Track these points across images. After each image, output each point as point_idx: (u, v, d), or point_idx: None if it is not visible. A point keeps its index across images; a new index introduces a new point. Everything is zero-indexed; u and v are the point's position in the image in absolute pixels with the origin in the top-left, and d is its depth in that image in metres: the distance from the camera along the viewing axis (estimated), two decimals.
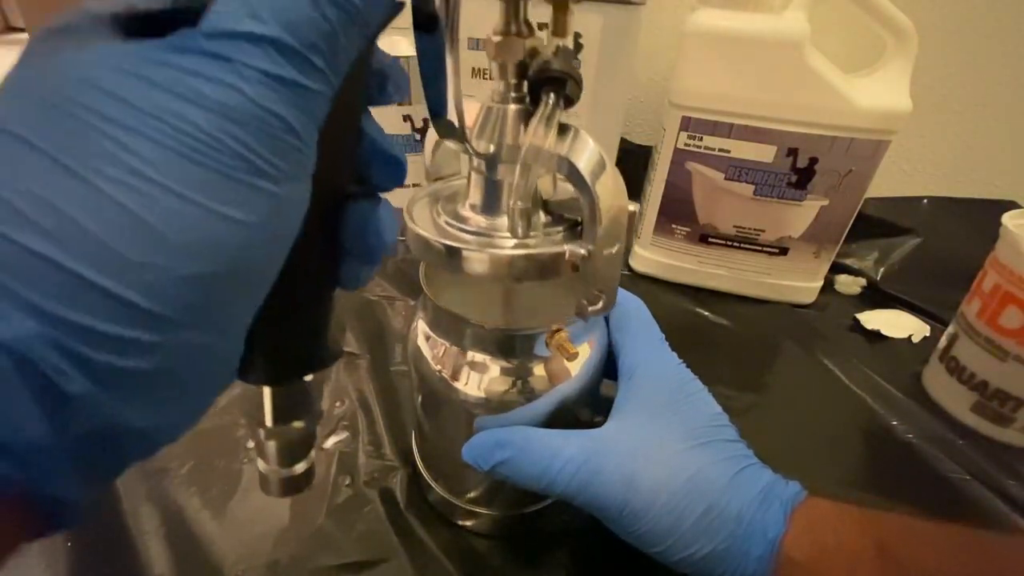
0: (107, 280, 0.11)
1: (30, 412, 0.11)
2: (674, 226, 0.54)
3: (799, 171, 0.48)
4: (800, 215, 0.50)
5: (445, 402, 0.27)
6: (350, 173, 0.17)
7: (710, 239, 0.53)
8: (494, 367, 0.25)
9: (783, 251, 0.52)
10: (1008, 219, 0.39)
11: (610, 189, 0.21)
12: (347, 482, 0.34)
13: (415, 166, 0.58)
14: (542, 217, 0.23)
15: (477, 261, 0.21)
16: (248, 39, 0.12)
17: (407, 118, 0.54)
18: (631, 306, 0.30)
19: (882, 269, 0.58)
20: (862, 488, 0.35)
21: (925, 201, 0.62)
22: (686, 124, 0.49)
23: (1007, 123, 0.59)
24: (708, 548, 0.23)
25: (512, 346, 0.25)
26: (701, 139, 0.49)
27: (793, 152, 0.47)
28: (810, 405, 0.43)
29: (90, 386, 0.11)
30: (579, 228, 0.22)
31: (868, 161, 0.46)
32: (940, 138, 0.61)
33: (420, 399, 0.29)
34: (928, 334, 0.50)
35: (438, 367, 0.26)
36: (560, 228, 0.23)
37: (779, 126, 0.46)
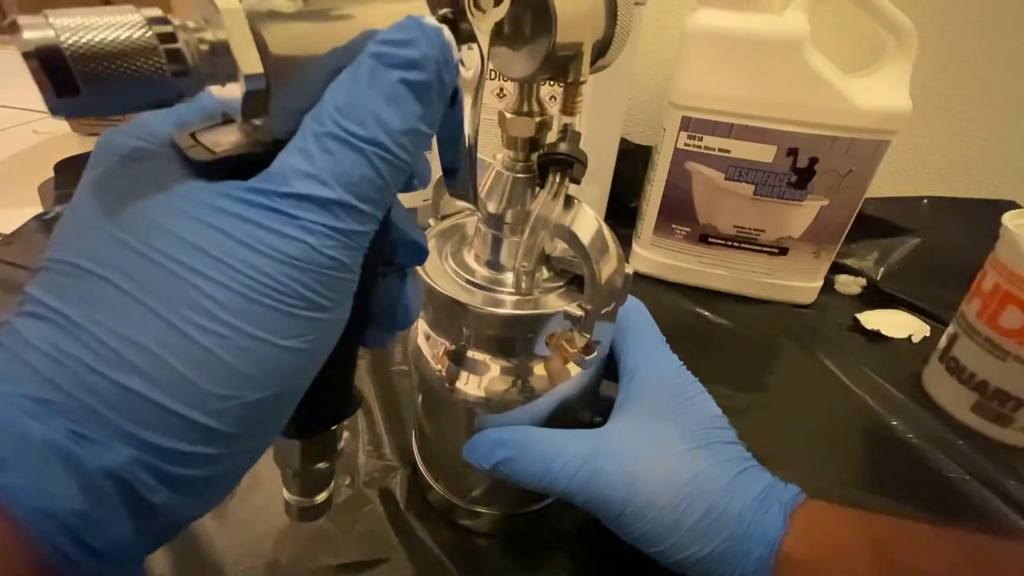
0: (191, 410, 0.13)
1: (122, 522, 0.13)
2: (674, 226, 0.54)
3: (799, 171, 0.48)
4: (800, 215, 0.50)
5: (445, 402, 0.27)
6: (381, 258, 0.19)
7: (710, 239, 0.53)
8: (494, 367, 0.25)
9: (783, 251, 0.52)
10: (1008, 219, 0.39)
11: (609, 256, 0.23)
12: (347, 482, 0.34)
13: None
14: (544, 272, 0.26)
15: (482, 317, 0.23)
16: (315, 201, 0.14)
17: None
18: (632, 307, 0.30)
19: (882, 269, 0.58)
20: (862, 488, 0.35)
21: (925, 201, 0.62)
22: (686, 124, 0.49)
23: (1007, 123, 0.59)
24: (708, 548, 0.23)
25: (512, 345, 0.25)
26: (701, 139, 0.49)
27: (793, 152, 0.47)
28: (810, 405, 0.43)
29: (170, 495, 0.13)
30: (577, 282, 0.25)
31: (868, 161, 0.46)
32: (940, 138, 0.61)
33: (420, 399, 0.29)
34: (928, 334, 0.50)
35: (438, 367, 0.26)
36: (561, 283, 0.25)
37: (779, 126, 0.46)
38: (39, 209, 0.64)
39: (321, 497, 0.23)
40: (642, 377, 0.27)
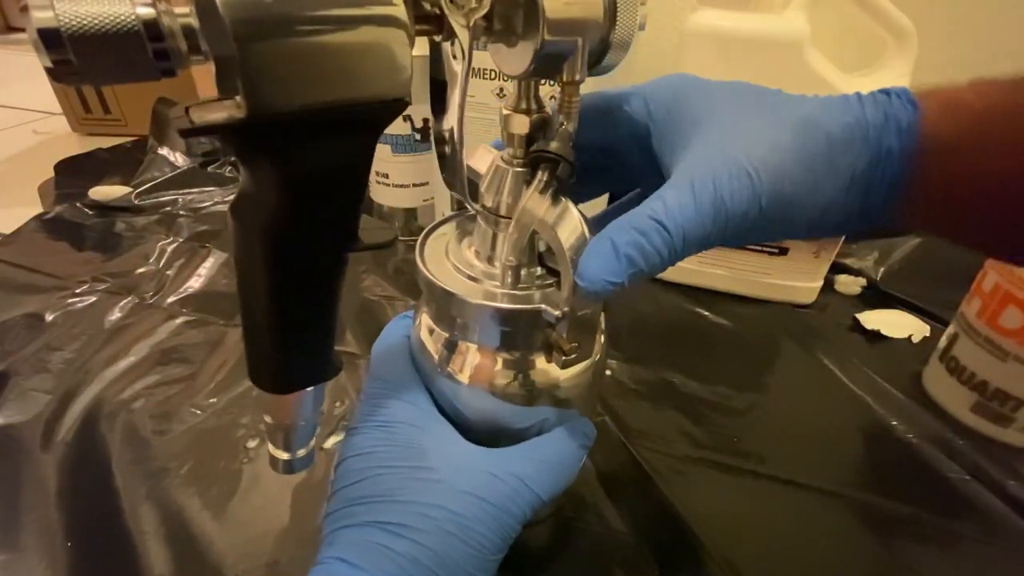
0: None
1: None
2: None
3: None
4: None
5: (447, 396, 0.27)
6: (355, 229, 0.20)
7: None
8: (496, 360, 0.25)
9: (783, 251, 0.52)
10: None
11: None
12: None
13: (417, 166, 0.58)
14: (537, 270, 0.25)
15: (464, 307, 0.24)
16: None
17: (407, 118, 0.54)
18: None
19: (882, 269, 0.58)
20: (862, 488, 0.35)
21: None
22: None
23: None
24: (846, 179, 0.20)
25: (509, 339, 0.25)
26: None
27: None
28: (810, 405, 0.43)
29: None
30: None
31: None
32: None
33: None
34: (928, 334, 0.50)
35: (440, 361, 0.26)
36: (551, 281, 0.25)
37: None
38: (39, 209, 0.64)
39: (302, 452, 0.25)
40: (664, 113, 0.23)
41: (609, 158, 0.27)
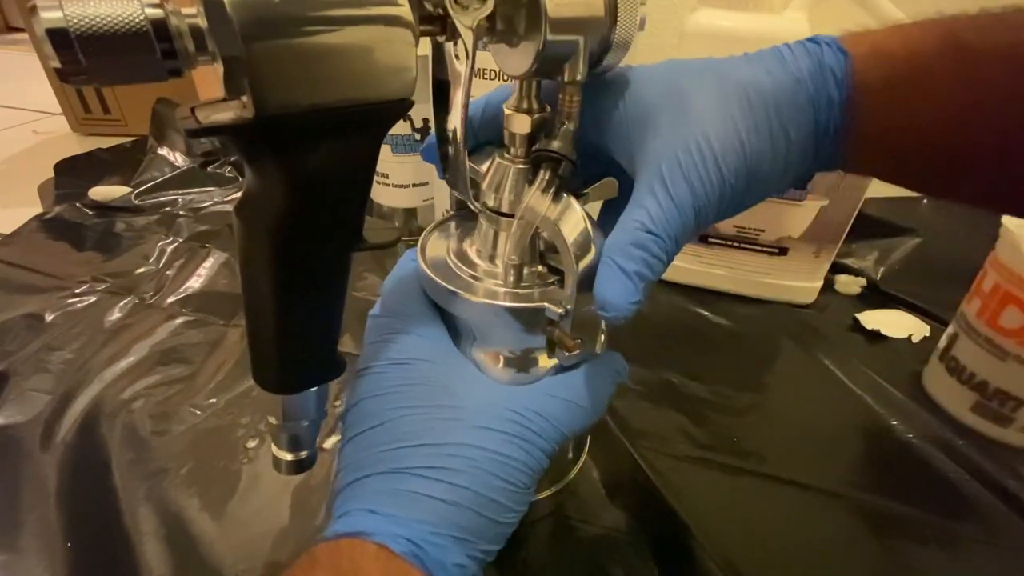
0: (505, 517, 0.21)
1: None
2: None
3: None
4: (800, 215, 0.50)
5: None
6: (359, 229, 0.21)
7: (710, 239, 0.53)
8: (499, 358, 0.25)
9: (783, 251, 0.52)
10: (1008, 219, 0.39)
11: (592, 255, 0.23)
12: None
13: (417, 166, 0.58)
14: (539, 268, 0.26)
15: (468, 306, 0.24)
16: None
17: (407, 118, 0.54)
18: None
19: (882, 269, 0.58)
20: (862, 488, 0.35)
21: (925, 201, 0.62)
22: None
23: None
24: (795, 132, 0.21)
25: (510, 337, 0.25)
26: None
27: None
28: (810, 405, 0.43)
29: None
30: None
31: None
32: None
33: None
34: (928, 334, 0.50)
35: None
36: (554, 279, 0.25)
37: None
38: (39, 209, 0.64)
39: (304, 453, 0.25)
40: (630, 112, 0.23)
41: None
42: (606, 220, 0.29)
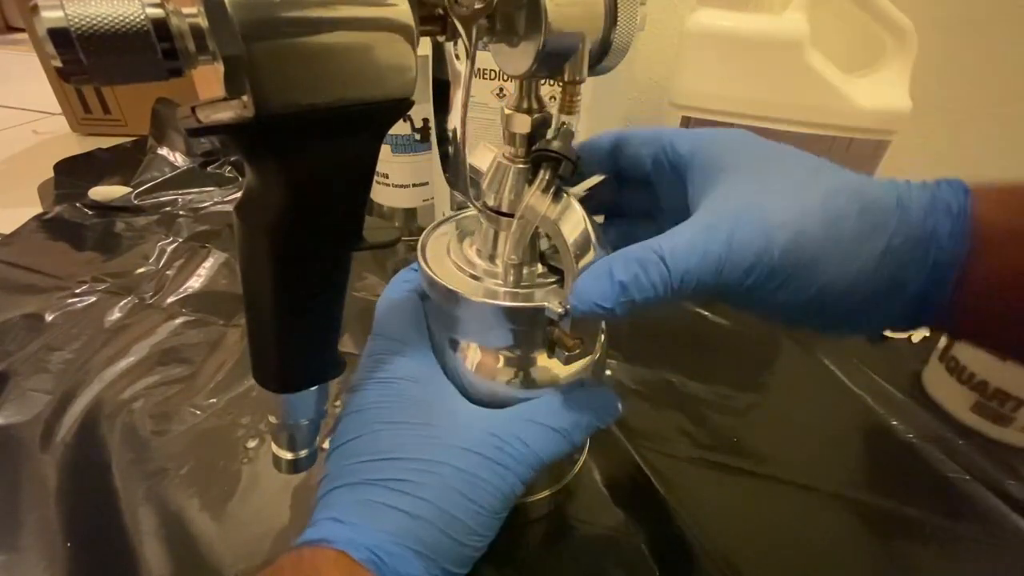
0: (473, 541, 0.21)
1: None
2: None
3: None
4: None
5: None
6: (359, 228, 0.21)
7: None
8: (499, 357, 0.25)
9: None
10: None
11: (591, 254, 0.23)
12: None
13: (417, 166, 0.58)
14: (539, 268, 0.26)
15: (468, 306, 0.24)
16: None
17: (407, 118, 0.54)
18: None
19: None
20: (862, 488, 0.35)
21: None
22: (686, 124, 0.49)
23: (1006, 123, 0.59)
24: (880, 246, 0.19)
25: (511, 337, 0.25)
26: None
27: None
28: (810, 405, 0.43)
29: None
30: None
31: (868, 161, 0.46)
32: (940, 138, 0.61)
33: None
34: (928, 334, 0.50)
35: (444, 357, 0.26)
36: (553, 279, 0.25)
37: (779, 126, 0.46)
38: (39, 209, 0.64)
39: (304, 452, 0.25)
40: (704, 154, 0.22)
41: (638, 189, 0.27)
42: (610, 229, 0.29)
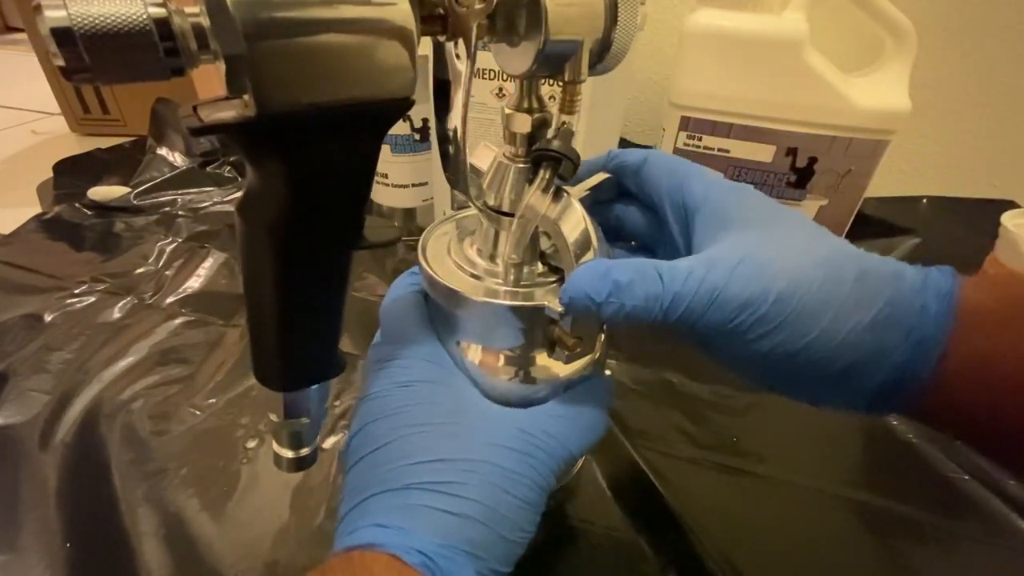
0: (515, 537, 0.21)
1: None
2: None
3: (798, 171, 0.48)
4: None
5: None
6: (360, 227, 0.21)
7: None
8: (499, 356, 0.25)
9: None
10: (1007, 219, 0.39)
11: (591, 253, 0.23)
12: None
13: (416, 166, 0.58)
14: (539, 267, 0.26)
15: (469, 305, 0.24)
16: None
17: (407, 118, 0.54)
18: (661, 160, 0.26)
19: None
20: (862, 488, 0.35)
21: (924, 201, 0.62)
22: (685, 124, 0.49)
23: (1006, 123, 0.59)
24: (869, 316, 0.19)
25: (510, 336, 0.25)
26: (700, 139, 0.49)
27: (792, 152, 0.47)
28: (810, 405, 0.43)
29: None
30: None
31: (867, 161, 0.46)
32: (940, 138, 0.61)
33: None
34: None
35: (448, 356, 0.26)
36: (553, 279, 0.25)
37: (778, 126, 0.46)
38: (38, 209, 0.64)
39: (305, 450, 0.25)
40: (714, 202, 0.23)
41: (642, 215, 0.28)
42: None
